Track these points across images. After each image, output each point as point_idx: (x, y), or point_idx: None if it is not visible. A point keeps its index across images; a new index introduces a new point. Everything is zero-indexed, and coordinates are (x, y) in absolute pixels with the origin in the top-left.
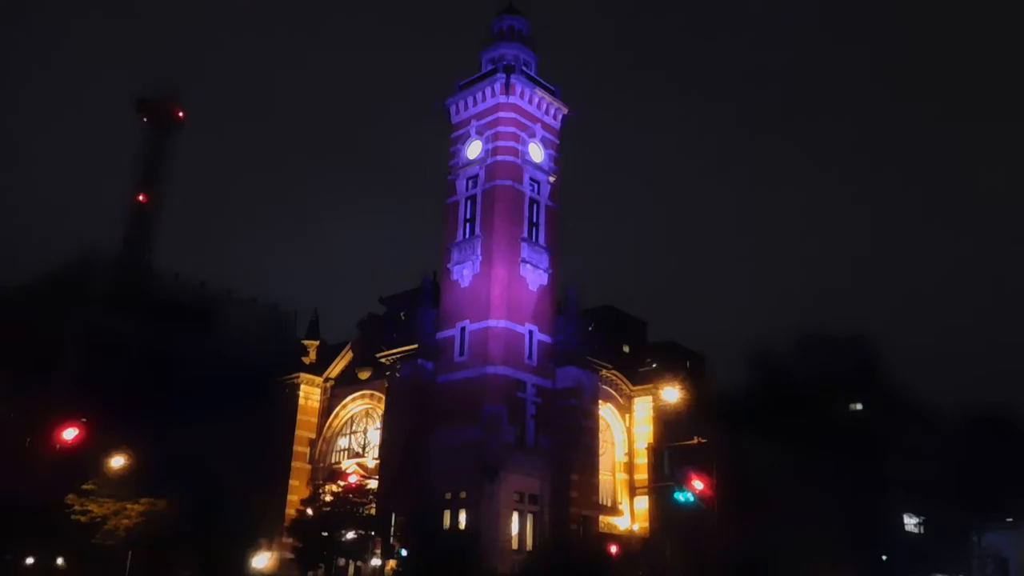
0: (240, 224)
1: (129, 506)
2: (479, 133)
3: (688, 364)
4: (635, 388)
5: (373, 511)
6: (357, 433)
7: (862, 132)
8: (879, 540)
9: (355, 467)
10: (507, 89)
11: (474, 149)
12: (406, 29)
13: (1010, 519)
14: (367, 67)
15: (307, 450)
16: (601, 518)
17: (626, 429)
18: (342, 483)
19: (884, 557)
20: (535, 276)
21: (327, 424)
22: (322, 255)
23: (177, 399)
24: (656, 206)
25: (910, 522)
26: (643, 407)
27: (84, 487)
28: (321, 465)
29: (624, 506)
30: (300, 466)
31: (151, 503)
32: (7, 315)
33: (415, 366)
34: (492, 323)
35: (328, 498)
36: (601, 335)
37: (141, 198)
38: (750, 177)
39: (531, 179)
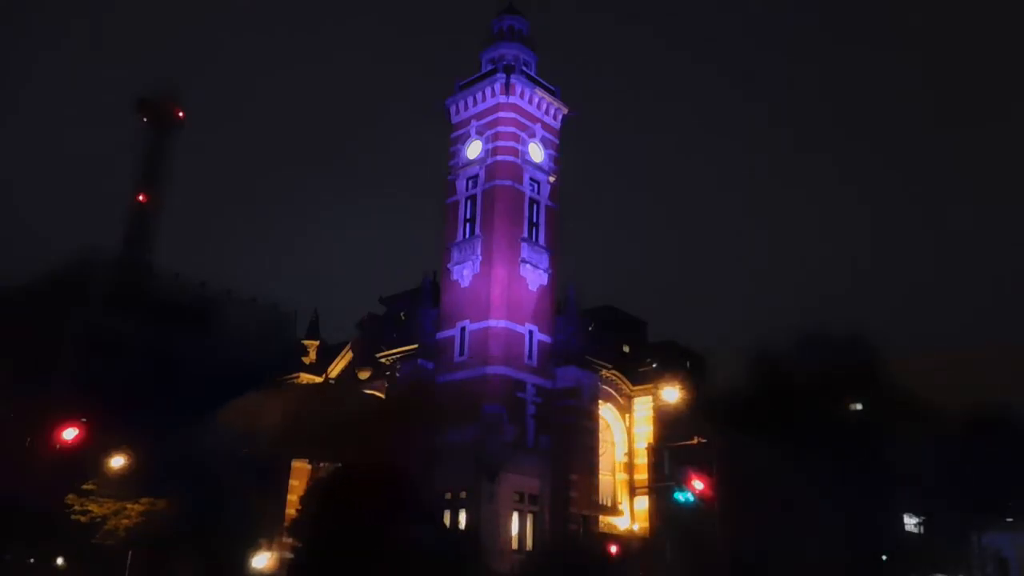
0: (240, 224)
1: (129, 506)
2: (479, 133)
3: (688, 364)
4: (635, 388)
5: None
6: None
7: (862, 132)
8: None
9: None
10: (507, 89)
11: (474, 149)
12: (406, 29)
13: (1010, 519)
14: (367, 67)
15: None
16: (601, 518)
17: (626, 429)
18: None
19: (884, 557)
20: (535, 276)
21: None
22: (322, 255)
23: (177, 399)
24: (656, 206)
25: (910, 522)
26: (643, 407)
27: (84, 487)
28: (322, 465)
29: (624, 506)
30: (300, 466)
31: (151, 503)
32: (7, 315)
33: (415, 366)
34: (492, 323)
35: None
36: (601, 335)
37: (141, 198)
38: (750, 177)
39: (531, 179)
